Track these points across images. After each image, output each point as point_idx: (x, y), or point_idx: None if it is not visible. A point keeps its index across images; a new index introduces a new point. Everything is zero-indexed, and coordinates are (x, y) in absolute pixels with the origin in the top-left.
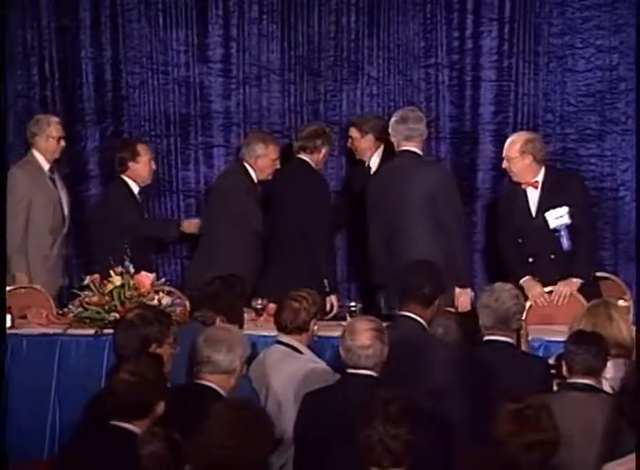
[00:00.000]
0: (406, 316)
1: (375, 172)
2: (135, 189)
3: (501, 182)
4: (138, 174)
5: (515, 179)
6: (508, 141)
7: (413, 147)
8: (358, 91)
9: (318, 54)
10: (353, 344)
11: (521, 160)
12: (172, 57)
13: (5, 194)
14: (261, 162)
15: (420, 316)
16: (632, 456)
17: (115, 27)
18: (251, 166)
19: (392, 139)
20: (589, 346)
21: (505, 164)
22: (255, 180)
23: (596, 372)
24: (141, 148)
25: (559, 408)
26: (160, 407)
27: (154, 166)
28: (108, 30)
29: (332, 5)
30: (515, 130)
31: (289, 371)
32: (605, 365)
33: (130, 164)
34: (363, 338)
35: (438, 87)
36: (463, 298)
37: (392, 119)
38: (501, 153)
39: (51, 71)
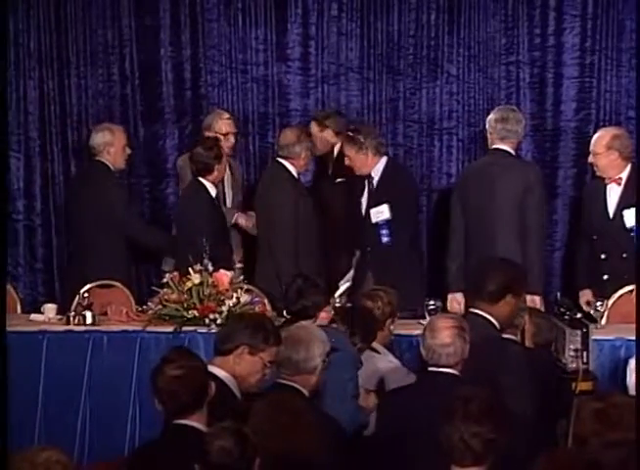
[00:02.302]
0: (474, 313)
1: (463, 171)
2: (213, 192)
3: (583, 180)
4: (219, 176)
5: (598, 174)
6: (595, 136)
7: (506, 146)
8: (438, 89)
9: (397, 52)
10: (434, 342)
11: (606, 155)
12: (251, 55)
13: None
14: (305, 157)
15: (488, 313)
16: None
17: (195, 27)
18: (290, 162)
19: (488, 136)
20: None
21: (591, 159)
22: (296, 175)
23: None
24: (222, 148)
25: None
26: (212, 389)
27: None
28: (187, 29)
29: (412, 3)
30: (597, 127)
31: (366, 371)
32: None
33: (216, 166)
34: (444, 336)
35: (519, 85)
36: (537, 303)
37: (491, 117)
38: (583, 150)
39: (131, 71)
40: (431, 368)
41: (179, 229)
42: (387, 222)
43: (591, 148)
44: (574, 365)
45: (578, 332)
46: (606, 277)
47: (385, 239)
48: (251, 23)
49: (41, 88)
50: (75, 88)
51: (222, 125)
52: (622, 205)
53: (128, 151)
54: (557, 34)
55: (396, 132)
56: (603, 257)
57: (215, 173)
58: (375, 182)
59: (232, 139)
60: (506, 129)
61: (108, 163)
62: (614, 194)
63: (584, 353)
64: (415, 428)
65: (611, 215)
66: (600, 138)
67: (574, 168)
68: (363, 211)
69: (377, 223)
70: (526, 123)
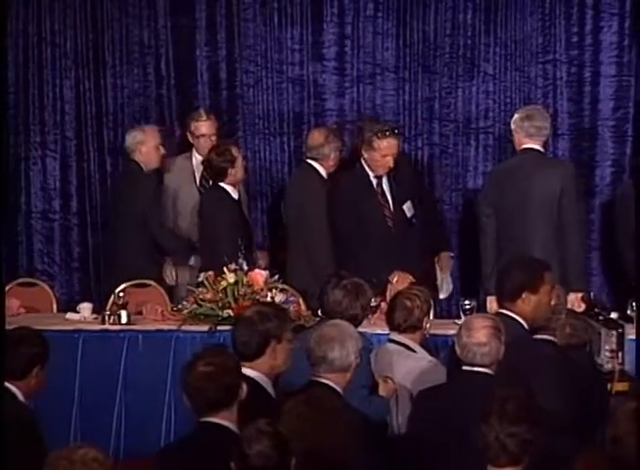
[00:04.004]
0: (501, 314)
1: (492, 171)
2: (235, 194)
3: (621, 178)
4: (236, 179)
5: None
6: None
7: (536, 145)
8: (474, 88)
9: (434, 51)
10: (470, 340)
11: None
12: (287, 55)
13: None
14: (335, 157)
15: (513, 312)
16: None
17: (231, 26)
18: (319, 162)
19: (515, 135)
20: None
21: None
22: (325, 176)
23: None
24: (235, 151)
25: None
26: (243, 391)
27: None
28: (223, 29)
29: (448, 2)
30: (635, 127)
31: (403, 370)
32: None
33: (229, 170)
34: (480, 335)
35: (556, 83)
36: (577, 303)
37: (516, 116)
38: (621, 149)
39: (167, 71)
40: (465, 367)
41: (204, 233)
42: None
43: None
44: (610, 366)
45: (614, 332)
46: None
47: None
48: (286, 22)
49: (77, 88)
50: (111, 88)
51: (199, 127)
52: None
53: (162, 151)
54: (594, 33)
55: (432, 132)
56: None
57: (231, 177)
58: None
59: (213, 140)
60: (534, 126)
61: (140, 162)
62: None
63: (620, 354)
64: (449, 427)
65: None
66: None
67: (612, 168)
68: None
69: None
70: (561, 122)
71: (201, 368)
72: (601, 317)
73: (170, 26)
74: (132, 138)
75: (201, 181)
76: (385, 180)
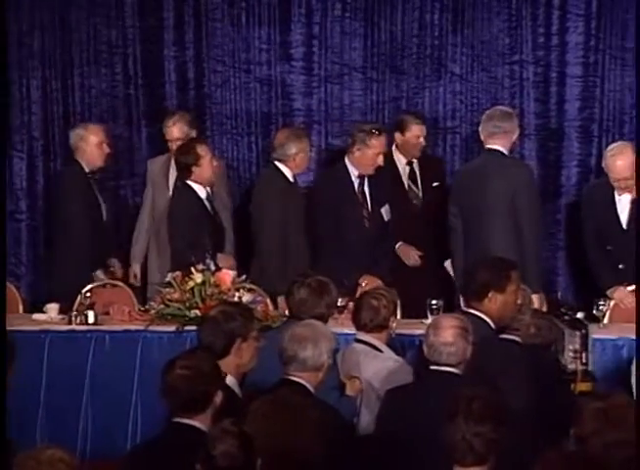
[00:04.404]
0: (467, 313)
1: (459, 171)
2: (202, 193)
3: (587, 179)
4: (202, 177)
5: (627, 191)
6: (619, 163)
7: (498, 145)
8: (441, 89)
9: (401, 51)
10: (436, 340)
11: (635, 176)
12: (255, 55)
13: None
14: (295, 158)
15: (479, 311)
16: None
17: (199, 26)
18: (285, 164)
19: (481, 135)
20: None
21: (624, 184)
22: (291, 179)
23: None
24: (201, 149)
25: None
26: (219, 398)
27: (215, 163)
28: (191, 29)
29: (415, 2)
30: (601, 127)
31: (370, 369)
32: None
33: (193, 168)
34: (447, 334)
35: (523, 84)
36: (537, 304)
37: (482, 117)
38: (587, 149)
39: (134, 70)
40: (432, 367)
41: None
42: None
43: (621, 175)
44: (574, 366)
45: (577, 333)
46: (625, 284)
47: None
48: (254, 22)
49: (44, 88)
50: (79, 88)
51: (168, 132)
52: (636, 214)
53: (107, 149)
54: (561, 33)
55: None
56: (621, 267)
57: (196, 175)
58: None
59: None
60: (493, 126)
61: (82, 161)
62: (624, 203)
63: (583, 354)
64: (416, 426)
65: (624, 226)
66: (626, 162)
67: (578, 168)
68: None
69: None
70: (528, 122)
71: (178, 370)
72: (567, 317)
73: (138, 26)
74: (75, 136)
75: (175, 183)
76: (365, 182)
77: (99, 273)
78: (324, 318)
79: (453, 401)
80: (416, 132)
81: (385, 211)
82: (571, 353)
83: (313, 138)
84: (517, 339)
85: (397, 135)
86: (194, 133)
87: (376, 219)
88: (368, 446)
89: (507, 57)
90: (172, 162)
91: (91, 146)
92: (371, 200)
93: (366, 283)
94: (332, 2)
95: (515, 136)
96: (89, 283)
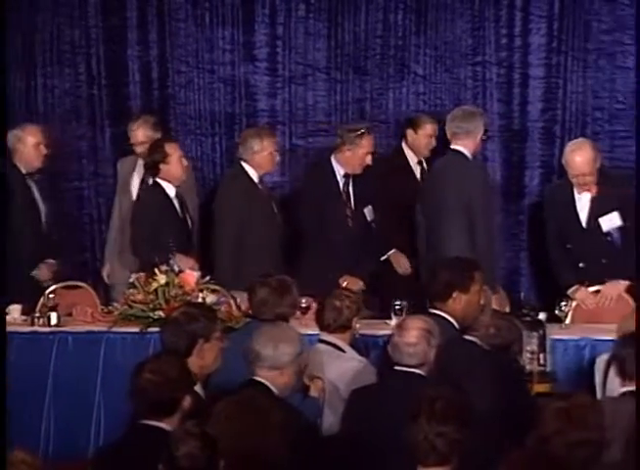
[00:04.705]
0: (431, 313)
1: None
2: (171, 191)
3: (550, 180)
4: (171, 175)
5: (583, 188)
6: (578, 159)
7: (460, 146)
8: (404, 89)
9: (365, 52)
10: (400, 340)
11: (595, 170)
12: (218, 55)
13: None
14: (259, 157)
15: (443, 312)
16: None
17: (162, 26)
18: (250, 164)
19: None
20: None
21: (582, 180)
22: (256, 179)
23: None
24: (169, 147)
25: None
26: (187, 402)
27: (185, 163)
28: (154, 29)
29: (379, 3)
30: (563, 128)
31: (333, 370)
32: None
33: (161, 166)
34: (410, 335)
35: (486, 85)
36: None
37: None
38: (550, 150)
39: (98, 70)
40: (397, 367)
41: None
42: None
43: (579, 171)
44: (530, 367)
45: (535, 334)
46: (586, 284)
47: None
48: (218, 22)
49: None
50: (42, 88)
51: (134, 135)
52: (596, 212)
53: (44, 150)
54: (523, 35)
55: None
56: (581, 265)
57: (164, 173)
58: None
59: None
60: (456, 126)
61: (19, 163)
62: (584, 202)
63: (541, 355)
64: (379, 427)
65: (584, 224)
66: (585, 158)
67: (541, 169)
68: None
69: None
70: (491, 123)
71: (146, 375)
72: (528, 318)
73: (101, 26)
74: (12, 137)
75: (140, 185)
76: (351, 181)
77: (37, 273)
78: (285, 318)
79: (416, 402)
80: (429, 131)
81: (368, 211)
82: (528, 354)
83: (278, 139)
84: (475, 340)
85: (410, 132)
86: (158, 136)
87: (359, 219)
88: (332, 447)
89: (470, 58)
90: (137, 163)
91: (28, 147)
92: (355, 200)
93: (347, 282)
94: (295, 3)
95: (479, 136)
96: (29, 284)
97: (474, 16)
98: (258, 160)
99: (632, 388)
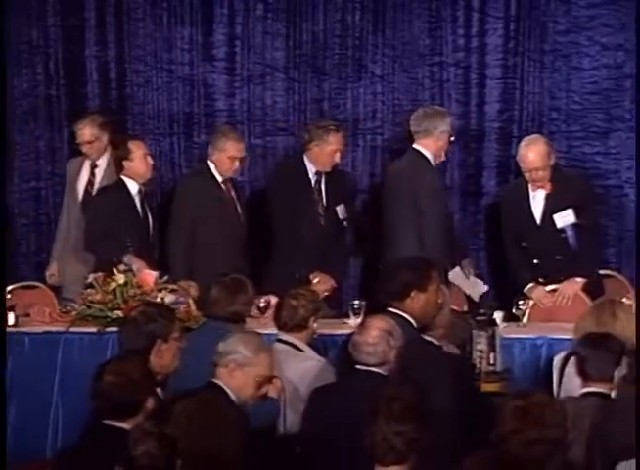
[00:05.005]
0: (389, 312)
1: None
2: (134, 188)
3: (507, 180)
4: (135, 172)
5: (537, 185)
6: (531, 153)
7: (419, 145)
8: (362, 89)
9: (323, 52)
10: (360, 338)
11: (547, 168)
12: (177, 55)
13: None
14: (216, 157)
15: (400, 310)
16: None
17: (120, 26)
18: (214, 163)
19: None
20: (605, 351)
21: (536, 176)
22: (219, 178)
23: (610, 378)
24: (132, 144)
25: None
26: (150, 403)
27: (151, 161)
28: (113, 29)
29: (337, 3)
30: (520, 128)
31: (291, 369)
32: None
33: (125, 162)
34: (369, 335)
35: (443, 85)
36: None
37: None
38: (507, 151)
39: (56, 70)
40: (358, 366)
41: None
42: None
43: (531, 166)
44: (480, 366)
45: (483, 333)
46: (541, 281)
47: None
48: (176, 22)
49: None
50: None
51: (81, 134)
52: (550, 209)
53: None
54: (480, 35)
55: None
56: (536, 262)
57: (129, 170)
58: None
59: (97, 146)
60: (416, 126)
61: None
62: (539, 199)
63: (491, 355)
64: (339, 426)
65: (538, 221)
66: (538, 153)
67: (498, 169)
68: None
69: None
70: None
71: (108, 377)
72: (481, 317)
73: (59, 26)
74: None
75: (86, 187)
76: (323, 179)
77: None
78: (240, 317)
79: (374, 401)
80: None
81: (340, 209)
82: (478, 354)
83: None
84: (432, 340)
85: None
86: (105, 136)
87: (330, 217)
88: (292, 446)
89: (427, 58)
90: (84, 164)
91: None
92: (327, 198)
93: (318, 279)
94: (254, 2)
95: (441, 136)
96: None
97: (431, 16)
98: (214, 159)
99: (595, 389)
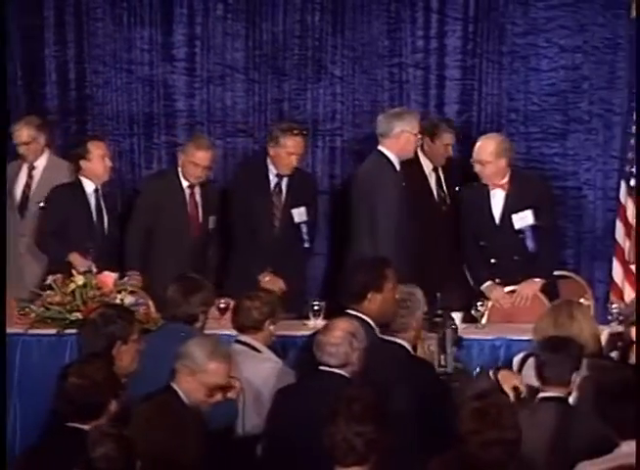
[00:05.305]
0: (348, 314)
1: None
2: (89, 188)
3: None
4: (91, 172)
5: (485, 182)
6: (479, 145)
7: (382, 146)
8: (322, 90)
9: (283, 53)
10: (323, 339)
11: (495, 163)
12: (136, 55)
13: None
14: (181, 161)
15: (359, 312)
16: (608, 457)
17: (80, 26)
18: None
19: None
20: (565, 356)
21: (478, 168)
22: (185, 182)
23: (568, 383)
24: (92, 145)
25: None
26: (114, 406)
27: (109, 163)
28: (72, 29)
29: (297, 4)
30: (479, 130)
31: (249, 370)
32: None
33: (82, 162)
34: (332, 335)
35: (403, 86)
36: None
37: None
38: (466, 152)
39: (14, 70)
40: (320, 367)
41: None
42: None
43: (477, 157)
44: None
45: (433, 335)
46: (498, 281)
47: None
48: (136, 22)
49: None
50: None
51: (17, 135)
52: (509, 209)
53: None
54: (439, 37)
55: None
56: (493, 261)
57: (86, 171)
58: None
59: (34, 147)
60: (380, 127)
61: None
62: (498, 199)
63: (442, 357)
64: (302, 426)
65: (497, 221)
66: (486, 146)
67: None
68: None
69: None
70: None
71: (72, 379)
72: (437, 318)
73: (18, 25)
74: None
75: (24, 189)
76: (285, 181)
77: None
78: (195, 318)
79: (335, 402)
80: (446, 140)
81: (297, 212)
82: (428, 355)
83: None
84: (395, 340)
85: (426, 140)
86: (42, 137)
87: (287, 220)
88: (252, 447)
89: (387, 59)
90: (23, 166)
91: None
92: (287, 200)
93: (268, 279)
94: (213, 3)
95: (405, 137)
96: None
97: (390, 17)
98: (185, 165)
99: (553, 394)
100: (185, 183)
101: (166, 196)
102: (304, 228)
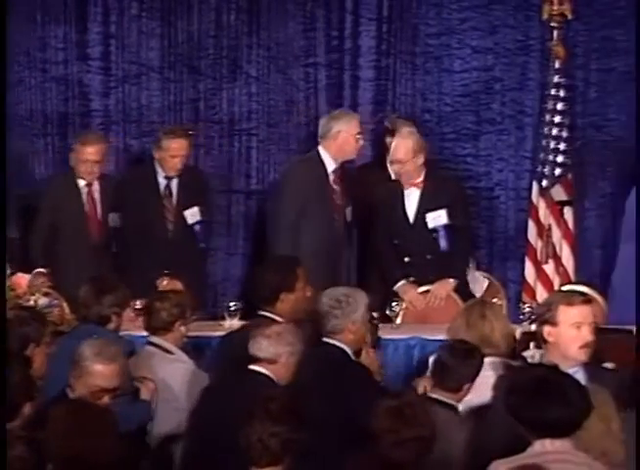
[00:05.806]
0: (260, 315)
1: None
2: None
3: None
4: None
5: (401, 180)
6: (395, 144)
7: (321, 147)
8: (237, 90)
9: (198, 52)
10: (255, 338)
11: (414, 161)
12: (51, 54)
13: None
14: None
15: (272, 313)
16: (521, 455)
17: None
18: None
19: None
20: (460, 364)
21: (395, 168)
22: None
23: (457, 391)
24: None
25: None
26: (27, 409)
27: None
28: None
29: (212, 3)
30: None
31: (161, 372)
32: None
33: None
34: (264, 332)
35: (317, 86)
36: None
37: None
38: (378, 152)
39: None
40: (251, 366)
41: None
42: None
43: (396, 156)
44: None
45: None
46: (412, 279)
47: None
48: (50, 20)
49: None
50: None
51: None
52: (423, 208)
53: None
54: (353, 37)
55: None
56: (407, 260)
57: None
58: None
59: None
60: (319, 128)
61: None
62: (412, 198)
63: None
64: (222, 426)
65: (411, 220)
66: (404, 145)
67: None
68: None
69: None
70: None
71: None
72: None
73: None
74: None
75: None
76: (175, 183)
77: None
78: (108, 319)
79: (252, 403)
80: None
81: (190, 213)
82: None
83: (111, 139)
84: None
85: (389, 140)
86: None
87: (179, 221)
88: (167, 447)
89: (302, 59)
90: None
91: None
92: (178, 202)
93: (165, 283)
94: (128, 1)
95: (338, 137)
96: None
97: (305, 17)
98: (75, 163)
99: (439, 397)
100: (82, 182)
101: (64, 195)
102: (198, 228)
